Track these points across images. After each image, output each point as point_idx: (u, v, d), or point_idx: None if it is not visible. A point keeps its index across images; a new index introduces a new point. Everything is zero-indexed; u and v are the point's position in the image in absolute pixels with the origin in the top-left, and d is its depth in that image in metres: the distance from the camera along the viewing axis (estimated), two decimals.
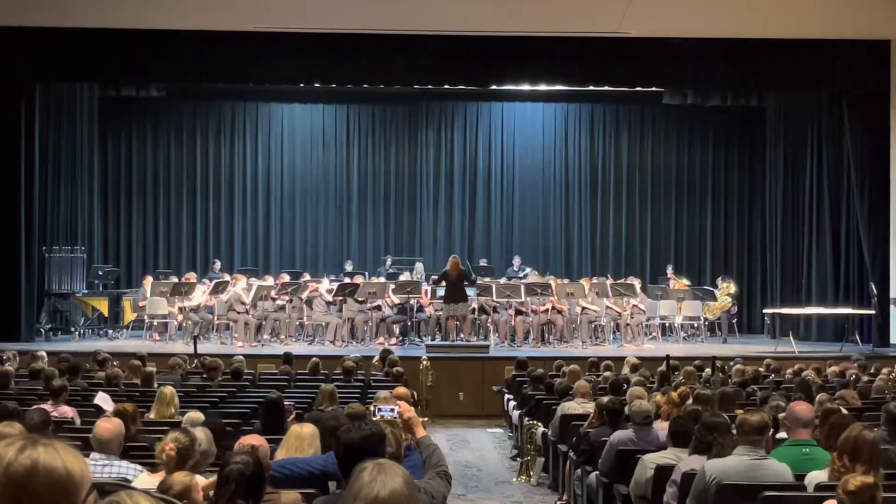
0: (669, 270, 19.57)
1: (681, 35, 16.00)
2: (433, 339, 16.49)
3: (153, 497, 2.01)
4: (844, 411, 7.00)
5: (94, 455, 5.35)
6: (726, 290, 18.60)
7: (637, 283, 17.64)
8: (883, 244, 16.98)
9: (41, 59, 16.11)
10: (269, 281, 17.44)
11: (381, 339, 16.55)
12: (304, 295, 16.89)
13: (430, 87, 19.07)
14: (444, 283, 16.33)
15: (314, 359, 12.05)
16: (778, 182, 19.52)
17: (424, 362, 13.51)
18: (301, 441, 5.23)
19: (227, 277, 17.65)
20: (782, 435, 6.17)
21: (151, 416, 7.56)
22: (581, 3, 15.44)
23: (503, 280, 17.97)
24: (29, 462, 1.95)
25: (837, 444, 5.01)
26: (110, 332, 17.91)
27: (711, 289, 18.60)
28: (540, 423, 10.12)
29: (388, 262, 19.47)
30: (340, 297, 16.69)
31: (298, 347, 15.62)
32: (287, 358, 12.52)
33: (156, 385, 9.30)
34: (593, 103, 21.08)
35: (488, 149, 21.30)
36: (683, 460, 5.73)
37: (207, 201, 20.94)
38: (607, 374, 11.57)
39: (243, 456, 4.14)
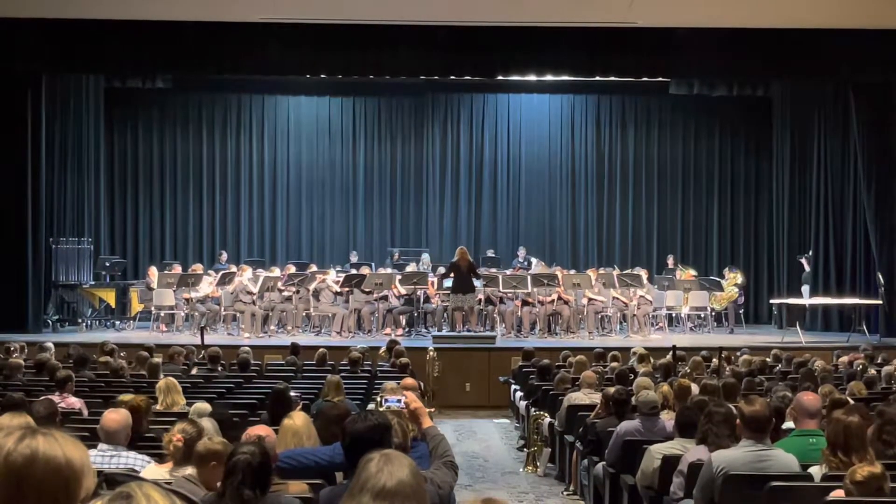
0: (670, 261, 19.55)
1: (687, 25, 15.95)
2: (440, 330, 16.52)
3: (163, 489, 2.02)
4: (851, 401, 7.01)
5: (101, 446, 5.37)
6: (733, 280, 18.58)
7: (643, 273, 17.61)
8: (890, 233, 16.95)
9: (47, 50, 16.12)
10: (276, 272, 17.46)
11: (387, 330, 16.57)
12: (311, 286, 16.91)
13: (436, 78, 19.03)
14: (452, 275, 16.36)
15: (321, 349, 12.07)
16: (784, 172, 19.48)
17: (431, 353, 13.52)
18: (298, 436, 5.20)
19: (233, 268, 17.68)
20: (789, 425, 6.18)
21: (158, 407, 7.58)
22: None
23: (510, 271, 17.97)
24: (28, 451, 1.97)
25: (827, 439, 5.04)
26: (117, 323, 17.98)
27: (718, 279, 18.57)
28: (546, 414, 10.14)
29: (396, 255, 19.47)
30: (347, 288, 16.70)
31: (305, 338, 15.66)
32: (294, 348, 12.55)
33: (161, 376, 9.33)
34: (599, 94, 21.03)
35: (494, 140, 21.28)
36: (690, 451, 5.74)
37: (214, 192, 20.96)
38: (614, 364, 11.59)
39: (250, 446, 4.15)
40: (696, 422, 5.93)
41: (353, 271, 17.45)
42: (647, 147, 21.17)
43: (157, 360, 10.62)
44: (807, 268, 18.35)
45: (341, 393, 8.07)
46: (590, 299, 17.03)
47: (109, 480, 4.26)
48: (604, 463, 7.46)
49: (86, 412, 7.88)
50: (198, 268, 17.65)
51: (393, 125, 21.31)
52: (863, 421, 5.05)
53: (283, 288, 16.96)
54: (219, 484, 4.23)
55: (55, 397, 7.57)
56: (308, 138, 21.17)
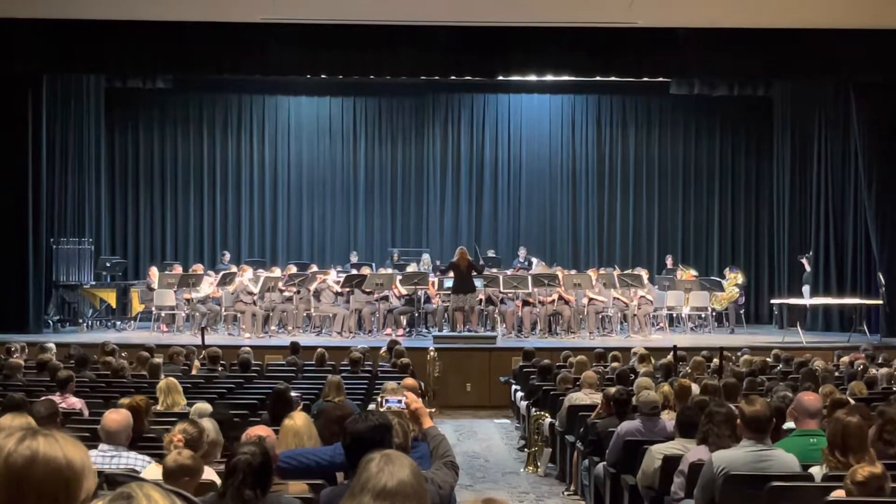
0: (669, 261, 19.54)
1: (688, 25, 15.96)
2: (440, 330, 16.52)
3: (163, 489, 2.02)
4: (852, 401, 7.01)
5: (102, 446, 5.37)
6: (734, 280, 18.58)
7: (644, 273, 17.61)
8: (890, 233, 16.94)
9: (48, 50, 16.12)
10: (277, 272, 17.46)
11: (388, 330, 16.57)
12: (312, 286, 16.91)
13: (436, 78, 19.01)
14: (450, 274, 16.38)
15: (320, 349, 12.07)
16: (785, 171, 19.48)
17: (432, 353, 13.53)
18: (299, 436, 5.20)
19: (233, 269, 17.69)
20: (790, 425, 6.18)
21: (159, 407, 7.58)
22: None
23: (510, 271, 17.98)
24: (28, 452, 1.96)
25: (827, 439, 5.04)
26: (118, 323, 17.98)
27: (719, 279, 18.56)
28: (547, 414, 10.13)
29: (395, 255, 19.45)
30: (348, 289, 16.71)
31: (306, 338, 15.64)
32: (294, 347, 12.53)
33: (162, 376, 9.33)
34: (600, 94, 21.02)
35: (495, 140, 21.28)
36: (691, 451, 5.74)
37: (214, 193, 20.96)
38: (614, 364, 11.59)
39: (251, 446, 4.15)
40: (697, 422, 5.93)
41: (354, 271, 17.46)
42: (648, 147, 21.17)
43: (158, 360, 10.63)
44: (807, 268, 18.35)
45: (342, 393, 8.07)
46: (590, 299, 17.02)
47: (110, 481, 4.26)
48: (604, 463, 7.46)
49: (86, 412, 7.89)
50: (198, 268, 17.65)
51: (393, 125, 21.31)
52: (863, 421, 5.04)
53: (283, 288, 16.96)
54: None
55: (56, 397, 7.57)
56: (308, 138, 21.17)
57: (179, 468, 4.46)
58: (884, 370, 10.49)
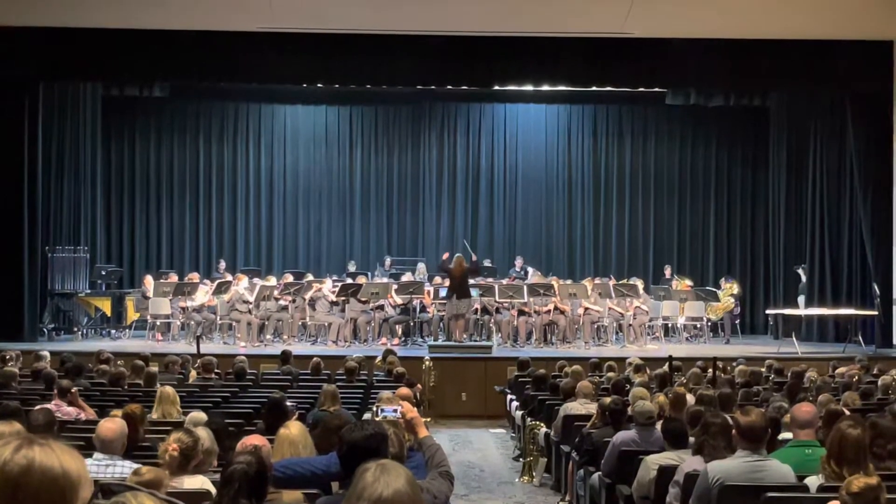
0: (668, 271, 19.56)
1: (684, 35, 16.00)
2: (436, 340, 16.50)
3: (158, 497, 2.02)
4: (847, 412, 7.01)
5: (97, 455, 5.35)
6: (729, 290, 18.59)
7: (640, 283, 17.63)
8: (886, 244, 16.96)
9: (45, 58, 16.13)
10: (272, 281, 17.45)
11: (383, 340, 16.56)
12: (307, 295, 16.89)
13: (433, 87, 19.07)
14: (446, 282, 16.36)
15: (315, 359, 12.04)
16: (781, 182, 19.50)
17: (427, 362, 13.51)
18: (295, 446, 5.19)
19: (229, 277, 17.68)
20: (786, 435, 6.18)
21: (154, 416, 7.56)
22: (584, 4, 15.45)
23: (505, 280, 17.98)
24: (25, 461, 1.96)
25: (826, 447, 5.05)
26: (113, 332, 17.94)
27: (714, 289, 18.57)
28: (542, 424, 10.12)
29: (388, 262, 19.41)
30: (343, 298, 16.69)
31: (301, 347, 15.63)
32: (285, 356, 12.44)
33: (158, 385, 9.31)
34: (596, 104, 21.05)
35: (491, 150, 21.30)
36: (686, 461, 5.73)
37: (210, 201, 20.95)
38: (610, 374, 11.58)
39: (246, 456, 4.15)
40: (684, 432, 5.93)
41: (350, 280, 17.44)
42: (644, 157, 21.19)
43: (154, 369, 10.61)
44: (803, 278, 18.36)
45: (337, 402, 8.05)
46: (586, 309, 17.03)
47: (105, 490, 4.25)
48: (600, 473, 7.45)
49: (83, 418, 7.87)
50: (194, 276, 17.64)
51: (390, 134, 21.32)
52: (863, 434, 5.03)
53: (279, 297, 16.95)
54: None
55: (52, 406, 7.55)
56: (305, 147, 21.17)
57: (146, 485, 4.42)
58: (882, 379, 10.49)
